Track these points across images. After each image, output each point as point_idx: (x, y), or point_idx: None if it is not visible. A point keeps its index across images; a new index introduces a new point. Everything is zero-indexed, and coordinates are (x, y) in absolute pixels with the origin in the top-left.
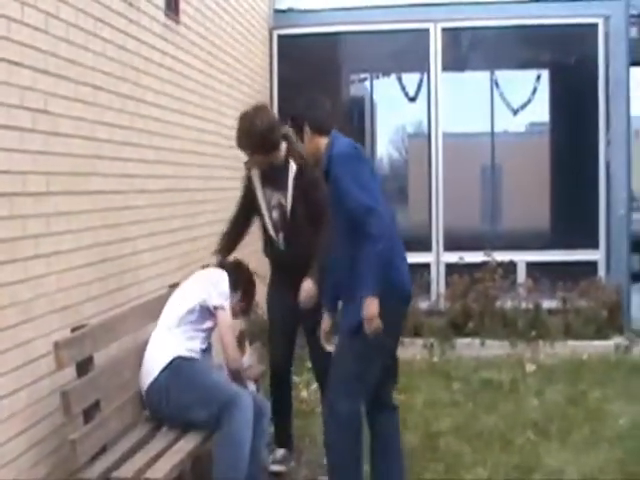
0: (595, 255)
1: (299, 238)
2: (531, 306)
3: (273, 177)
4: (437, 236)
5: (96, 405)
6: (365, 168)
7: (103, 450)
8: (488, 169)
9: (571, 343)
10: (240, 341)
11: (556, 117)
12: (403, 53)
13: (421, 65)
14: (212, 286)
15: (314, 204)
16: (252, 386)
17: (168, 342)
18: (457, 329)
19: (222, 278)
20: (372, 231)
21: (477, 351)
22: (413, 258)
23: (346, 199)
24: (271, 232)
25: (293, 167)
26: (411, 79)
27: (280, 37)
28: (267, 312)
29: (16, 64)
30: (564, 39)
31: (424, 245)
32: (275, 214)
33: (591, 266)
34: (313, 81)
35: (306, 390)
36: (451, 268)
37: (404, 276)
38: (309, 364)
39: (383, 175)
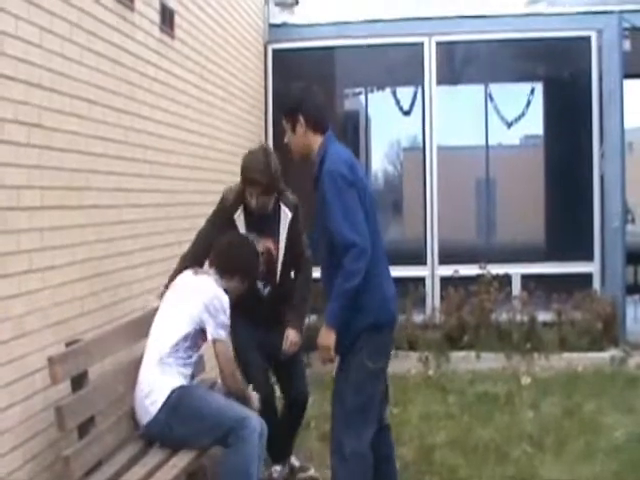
0: (590, 267)
1: (284, 285)
2: (526, 319)
3: (260, 223)
4: (432, 249)
5: (91, 420)
6: (354, 193)
7: (98, 465)
8: (483, 182)
9: (566, 355)
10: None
11: (550, 130)
12: (397, 67)
13: (415, 79)
14: (210, 313)
15: (297, 250)
16: (256, 401)
17: (162, 376)
18: (452, 342)
19: (220, 302)
20: (350, 267)
21: (472, 364)
22: (408, 272)
23: (331, 226)
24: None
25: (287, 215)
26: (405, 93)
27: (275, 51)
28: (238, 352)
29: (10, 78)
30: (558, 52)
31: (419, 258)
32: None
33: (586, 278)
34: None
35: None
36: (446, 281)
37: (392, 301)
38: None
39: (378, 189)
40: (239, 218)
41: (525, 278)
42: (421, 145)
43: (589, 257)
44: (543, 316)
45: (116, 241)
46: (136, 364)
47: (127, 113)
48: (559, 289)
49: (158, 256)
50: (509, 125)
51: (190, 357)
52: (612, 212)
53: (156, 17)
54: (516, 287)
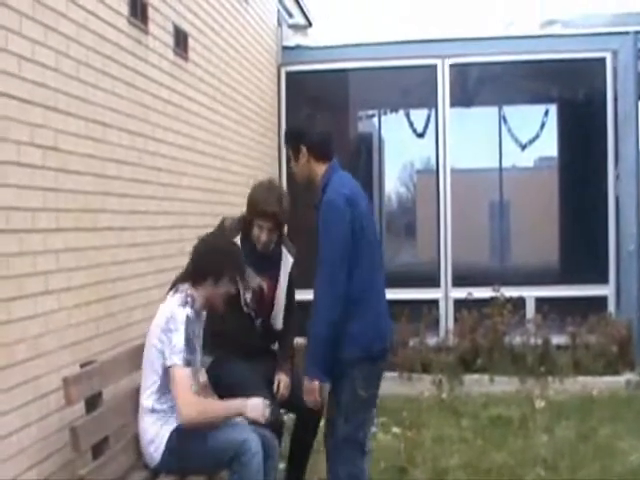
0: (605, 290)
1: (277, 323)
2: (540, 342)
3: (259, 260)
4: (446, 272)
5: (105, 441)
6: (344, 229)
7: None
8: (496, 204)
9: (581, 379)
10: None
11: (564, 152)
12: (411, 89)
13: (429, 101)
14: (166, 337)
15: (291, 302)
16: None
17: (158, 422)
18: (466, 365)
19: (174, 322)
20: (323, 316)
21: (486, 387)
22: (422, 294)
23: (321, 257)
24: (245, 310)
25: (289, 259)
26: (419, 115)
27: (288, 74)
28: (237, 385)
29: (27, 101)
30: (572, 74)
31: (433, 281)
32: (249, 296)
33: (601, 301)
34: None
35: None
36: (460, 304)
37: (385, 331)
38: None
39: (391, 211)
40: None
41: (539, 301)
42: (435, 167)
43: (604, 280)
44: (557, 339)
45: (130, 263)
46: None
47: (141, 136)
48: (573, 312)
49: (172, 278)
50: (523, 147)
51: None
52: (627, 234)
53: (170, 40)
54: (530, 310)
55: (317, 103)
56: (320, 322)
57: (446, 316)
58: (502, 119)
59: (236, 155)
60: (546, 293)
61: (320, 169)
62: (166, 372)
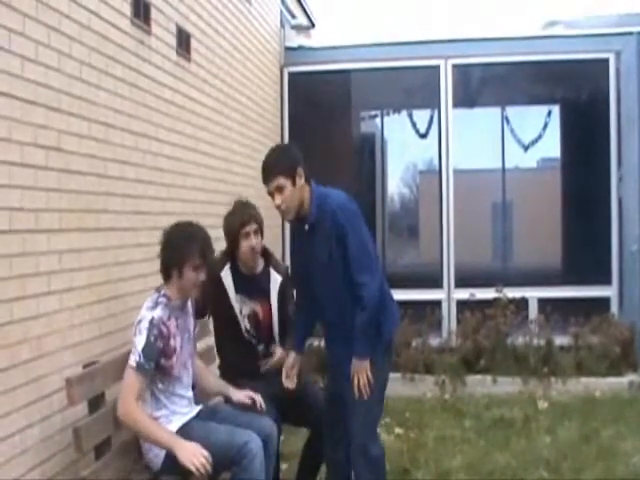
0: (607, 291)
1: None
2: (543, 343)
3: (248, 285)
4: (448, 273)
5: (107, 441)
6: (365, 227)
7: None
8: (499, 205)
9: (583, 380)
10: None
11: (567, 153)
12: (414, 90)
13: (432, 102)
14: (133, 341)
15: (286, 318)
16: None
17: None
18: (468, 366)
19: (140, 324)
20: (369, 302)
21: (489, 388)
22: (424, 295)
23: (351, 258)
24: (246, 338)
25: (277, 279)
26: (422, 116)
27: (291, 74)
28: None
29: (30, 102)
30: (575, 75)
31: (435, 282)
32: (247, 323)
33: (604, 302)
34: (324, 118)
35: None
36: (462, 305)
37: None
38: None
39: (394, 212)
40: (226, 276)
41: (542, 302)
42: (437, 168)
43: (607, 281)
44: (560, 340)
45: (133, 264)
46: None
47: (144, 136)
48: (576, 313)
49: None
50: (526, 148)
51: (171, 385)
52: (630, 235)
53: (173, 41)
54: (533, 311)
55: (320, 104)
56: (370, 308)
57: (449, 317)
58: (505, 120)
59: (239, 156)
60: (549, 294)
61: (307, 190)
62: (150, 380)
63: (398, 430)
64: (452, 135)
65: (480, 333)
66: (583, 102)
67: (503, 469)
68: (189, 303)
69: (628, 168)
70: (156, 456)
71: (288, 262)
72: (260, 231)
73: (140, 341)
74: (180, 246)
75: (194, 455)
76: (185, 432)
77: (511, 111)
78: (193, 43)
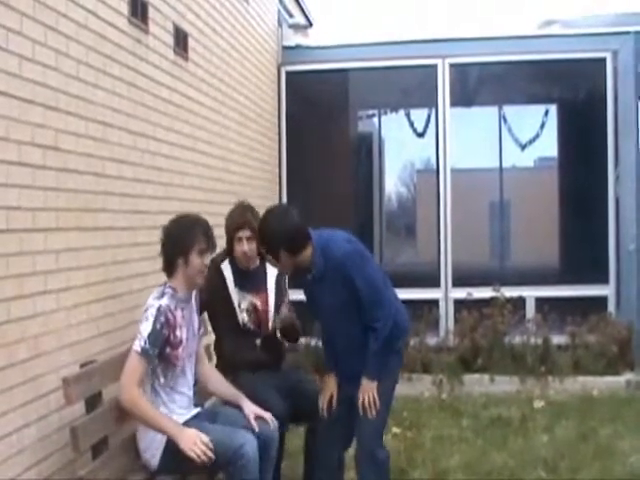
0: (605, 290)
1: (275, 341)
2: (540, 342)
3: (245, 279)
4: (445, 272)
5: (104, 441)
6: (370, 260)
7: None
8: (497, 204)
9: (581, 379)
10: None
11: (564, 152)
12: (411, 89)
13: (429, 101)
14: (139, 328)
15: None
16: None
17: (151, 434)
18: (466, 365)
19: (146, 312)
20: (379, 334)
21: (486, 387)
22: (422, 294)
23: (363, 299)
24: (243, 330)
25: (273, 272)
26: (419, 115)
27: (288, 74)
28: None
29: (28, 101)
30: (572, 74)
31: (433, 281)
32: (245, 316)
33: (601, 301)
34: (321, 117)
35: None
36: (460, 304)
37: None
38: None
39: (391, 211)
40: (226, 268)
41: (539, 301)
42: (435, 167)
43: (604, 280)
44: (557, 339)
45: (131, 263)
46: None
47: (142, 135)
48: (573, 312)
49: None
50: (523, 147)
51: (172, 380)
52: (627, 235)
53: (170, 40)
54: (530, 310)
55: (317, 103)
56: (382, 338)
57: (446, 316)
58: (502, 119)
59: (237, 155)
60: (546, 293)
61: (306, 253)
62: (151, 372)
63: (395, 430)
64: (449, 134)
65: (477, 332)
66: (580, 101)
67: (501, 468)
68: (194, 299)
69: (625, 167)
70: (153, 456)
71: None
72: (253, 235)
73: (146, 327)
74: (183, 234)
75: (194, 443)
76: None
77: (508, 110)
78: (190, 42)
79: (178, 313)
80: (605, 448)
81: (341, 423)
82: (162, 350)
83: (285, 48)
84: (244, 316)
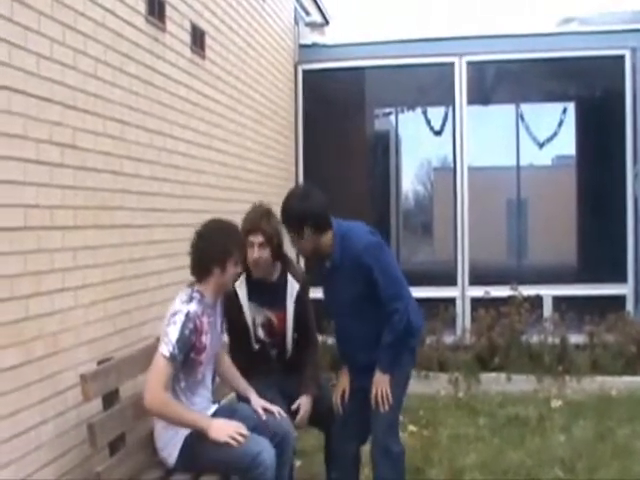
0: (623, 289)
1: (294, 352)
2: (558, 341)
3: (263, 293)
4: (462, 270)
5: (122, 438)
6: (389, 253)
7: None
8: (514, 203)
9: (599, 378)
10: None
11: (583, 150)
12: (428, 87)
13: (446, 99)
14: (165, 334)
15: (306, 325)
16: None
17: (169, 434)
18: (483, 364)
19: (174, 317)
20: (395, 326)
21: (503, 386)
22: (438, 292)
23: (381, 291)
24: (257, 348)
25: (295, 286)
26: (436, 113)
27: (305, 72)
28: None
29: (46, 100)
30: (590, 71)
31: (449, 279)
32: (261, 332)
33: (619, 300)
34: (338, 115)
35: None
36: (477, 302)
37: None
38: None
39: (408, 209)
40: (241, 287)
41: (557, 300)
42: (452, 165)
43: (622, 279)
44: (575, 338)
45: (148, 260)
46: None
47: (159, 134)
48: (591, 311)
49: (189, 276)
50: (541, 145)
51: (194, 385)
52: None
53: (187, 38)
54: (547, 309)
55: (334, 101)
56: (397, 331)
57: (463, 314)
58: (520, 117)
59: (253, 153)
60: (564, 292)
61: (327, 238)
62: (174, 376)
63: (412, 428)
64: (467, 132)
65: (494, 331)
66: (598, 99)
67: (517, 468)
68: (219, 302)
69: None
70: (170, 455)
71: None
72: (269, 243)
73: (174, 332)
74: (224, 242)
75: (226, 432)
76: (199, 433)
77: (526, 108)
78: (207, 40)
79: (205, 319)
80: (623, 448)
81: (355, 419)
82: (187, 355)
83: (302, 46)
84: (260, 332)
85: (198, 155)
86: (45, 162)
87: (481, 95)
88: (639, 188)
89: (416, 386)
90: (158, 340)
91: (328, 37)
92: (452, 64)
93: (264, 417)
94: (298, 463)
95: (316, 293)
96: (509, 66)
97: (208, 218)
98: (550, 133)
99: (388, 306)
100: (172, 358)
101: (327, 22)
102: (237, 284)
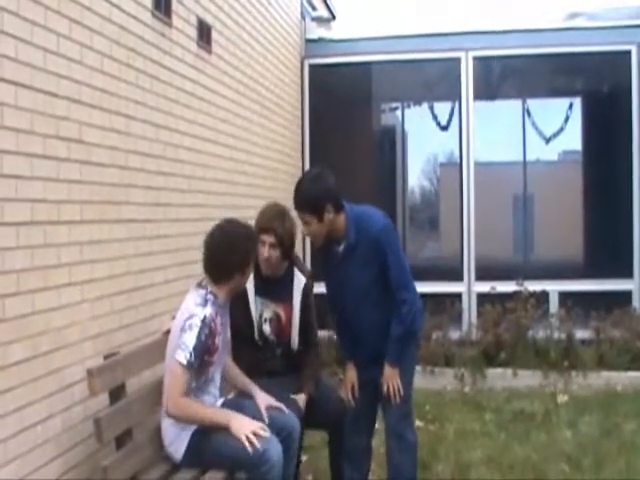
0: (629, 285)
1: (297, 348)
2: (564, 336)
3: (271, 287)
4: (469, 266)
5: (128, 432)
6: (399, 240)
7: (135, 477)
8: (520, 198)
9: (605, 374)
10: None
11: (589, 145)
12: (434, 82)
13: (452, 94)
14: (183, 334)
15: (308, 320)
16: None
17: (177, 430)
18: (489, 359)
19: (190, 322)
20: (406, 319)
21: (509, 381)
22: (445, 288)
23: (392, 278)
24: (261, 344)
25: (302, 280)
26: (442, 108)
27: (311, 67)
28: None
29: (52, 94)
30: (597, 67)
31: (456, 275)
32: (267, 328)
33: (625, 296)
34: (344, 110)
35: None
36: (483, 298)
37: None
38: None
39: (414, 204)
40: (249, 282)
41: (563, 295)
42: (458, 161)
43: (628, 274)
44: (581, 334)
45: (154, 255)
46: None
47: (165, 128)
48: (597, 306)
49: (195, 271)
50: (547, 141)
51: (205, 384)
52: None
53: (193, 33)
54: (553, 304)
55: (340, 96)
56: (405, 323)
57: (469, 310)
58: (526, 112)
59: (259, 148)
60: (570, 287)
61: (341, 218)
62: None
63: (418, 423)
64: (473, 128)
65: (501, 326)
66: (605, 94)
67: (524, 463)
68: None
69: None
70: (177, 450)
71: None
72: (281, 245)
73: (191, 339)
74: (245, 249)
75: (248, 429)
76: (206, 431)
77: (532, 103)
78: (214, 35)
79: (218, 320)
80: (629, 443)
81: (365, 412)
82: (202, 359)
83: (308, 41)
84: (266, 327)
85: (204, 150)
86: (52, 157)
87: (487, 90)
88: None
89: (422, 381)
90: (166, 336)
91: (335, 32)
92: (458, 59)
93: (266, 420)
94: (304, 458)
95: (319, 288)
96: (515, 61)
97: (214, 213)
98: (556, 128)
99: (397, 294)
100: (189, 366)
101: (334, 17)
102: None
